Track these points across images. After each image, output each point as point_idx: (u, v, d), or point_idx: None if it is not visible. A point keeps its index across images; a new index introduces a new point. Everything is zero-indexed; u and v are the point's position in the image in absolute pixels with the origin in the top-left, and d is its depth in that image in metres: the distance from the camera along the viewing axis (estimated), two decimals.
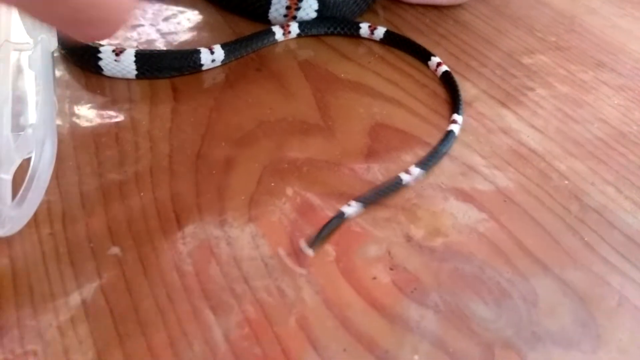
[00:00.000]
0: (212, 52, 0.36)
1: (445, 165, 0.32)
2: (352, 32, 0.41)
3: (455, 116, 0.34)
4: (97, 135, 0.32)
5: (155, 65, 0.35)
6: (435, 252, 0.27)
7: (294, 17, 0.41)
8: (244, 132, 0.33)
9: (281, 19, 0.41)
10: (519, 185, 0.31)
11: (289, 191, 0.30)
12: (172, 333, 0.24)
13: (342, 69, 0.38)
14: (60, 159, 0.30)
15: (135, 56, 0.35)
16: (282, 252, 0.27)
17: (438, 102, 0.36)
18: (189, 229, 0.28)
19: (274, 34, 0.39)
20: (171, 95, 0.35)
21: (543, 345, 0.24)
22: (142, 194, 0.29)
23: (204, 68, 0.37)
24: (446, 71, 0.37)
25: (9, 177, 0.28)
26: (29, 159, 0.28)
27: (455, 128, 0.33)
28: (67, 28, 0.25)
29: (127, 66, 0.35)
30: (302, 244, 0.27)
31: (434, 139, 0.33)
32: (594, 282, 0.27)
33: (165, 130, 0.33)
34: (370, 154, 0.32)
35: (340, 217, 0.28)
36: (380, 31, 0.40)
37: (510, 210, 0.30)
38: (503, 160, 0.32)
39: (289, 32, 0.40)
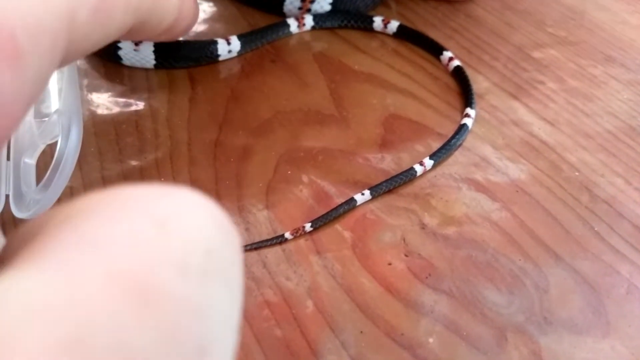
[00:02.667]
0: (228, 43, 0.37)
1: (458, 156, 0.32)
2: (366, 26, 0.41)
3: (469, 110, 0.35)
4: (117, 123, 0.33)
5: (173, 55, 0.36)
6: (449, 239, 0.28)
7: (309, 10, 0.41)
8: (261, 122, 0.34)
9: (296, 11, 0.41)
10: (530, 176, 0.32)
11: (305, 179, 0.31)
12: None
13: (355, 61, 0.39)
14: (82, 145, 0.31)
15: (154, 46, 0.35)
16: (300, 238, 0.28)
17: (450, 94, 0.37)
18: None
19: (289, 26, 0.40)
20: (189, 85, 0.36)
21: (554, 330, 0.25)
22: (162, 179, 0.30)
23: (220, 59, 0.37)
24: (458, 66, 0.38)
25: (32, 162, 0.28)
26: (53, 145, 0.29)
27: (468, 122, 0.34)
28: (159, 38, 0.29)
29: (146, 56, 0.35)
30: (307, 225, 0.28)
31: (447, 130, 0.34)
32: (604, 271, 0.27)
33: (183, 119, 0.33)
34: (384, 144, 0.33)
35: (350, 203, 0.29)
36: (393, 25, 0.41)
37: (522, 201, 0.30)
38: (515, 152, 0.33)
39: (304, 25, 0.40)
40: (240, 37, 0.38)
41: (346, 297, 0.25)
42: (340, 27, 0.41)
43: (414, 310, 0.25)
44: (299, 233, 0.27)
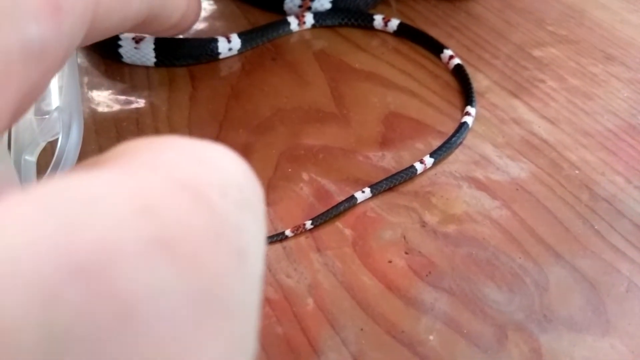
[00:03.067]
0: (229, 41, 0.37)
1: (458, 155, 0.32)
2: (366, 24, 0.41)
3: (469, 108, 0.35)
4: (117, 120, 0.33)
5: (174, 53, 0.36)
6: (449, 237, 0.28)
7: (309, 8, 0.41)
8: (261, 120, 0.34)
9: (296, 9, 0.41)
10: (530, 174, 0.32)
11: (306, 177, 0.31)
12: None
13: (356, 60, 0.39)
14: (82, 143, 0.31)
15: (155, 44, 0.35)
16: (300, 236, 0.28)
17: (451, 92, 0.37)
18: None
19: (289, 24, 0.40)
20: (189, 82, 0.36)
21: (554, 328, 0.25)
22: None
23: (221, 57, 0.37)
24: (458, 64, 0.38)
25: (33, 159, 0.28)
26: (54, 142, 0.29)
27: (468, 120, 0.34)
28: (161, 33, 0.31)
29: (146, 54, 0.35)
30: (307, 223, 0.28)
31: (447, 128, 0.34)
32: (604, 269, 0.27)
33: (184, 117, 0.33)
34: (385, 142, 0.33)
35: (350, 201, 0.29)
36: (394, 23, 0.41)
37: (522, 199, 0.30)
38: (515, 150, 0.33)
39: (304, 23, 0.40)
40: (240, 35, 0.38)
41: (346, 295, 0.26)
42: (340, 25, 0.41)
43: (415, 307, 0.25)
44: (299, 230, 0.28)
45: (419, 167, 0.31)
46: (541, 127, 0.35)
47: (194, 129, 0.33)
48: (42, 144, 0.29)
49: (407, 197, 0.30)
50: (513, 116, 0.35)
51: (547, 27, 0.43)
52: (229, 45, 0.37)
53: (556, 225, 0.29)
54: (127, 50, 0.35)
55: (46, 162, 0.27)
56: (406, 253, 0.27)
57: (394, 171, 0.31)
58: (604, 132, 0.35)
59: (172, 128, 0.32)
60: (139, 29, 0.28)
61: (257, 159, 0.31)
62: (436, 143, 0.33)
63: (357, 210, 0.29)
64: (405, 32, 0.41)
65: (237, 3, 0.43)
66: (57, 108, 0.29)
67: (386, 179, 0.30)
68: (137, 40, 0.35)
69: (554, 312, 0.26)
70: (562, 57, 0.41)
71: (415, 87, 0.37)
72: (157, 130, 0.32)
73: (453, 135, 0.33)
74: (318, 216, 0.28)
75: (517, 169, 0.32)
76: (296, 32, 0.41)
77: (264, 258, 0.12)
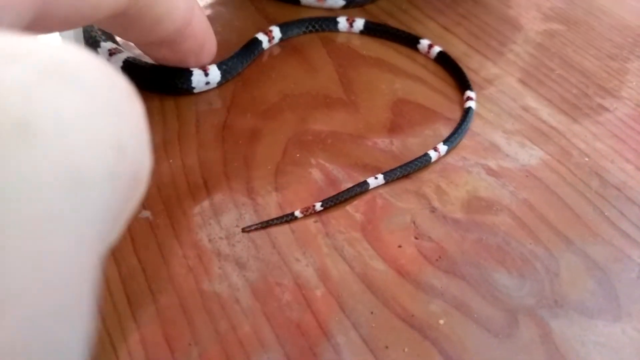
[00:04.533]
0: (206, 74, 0.33)
1: (468, 141, 0.32)
2: (330, 28, 0.39)
3: (469, 93, 0.35)
4: None
5: (140, 77, 0.33)
6: (459, 223, 0.28)
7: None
8: (269, 105, 0.34)
9: (313, 1, 0.41)
10: (540, 161, 0.31)
11: (314, 162, 0.30)
12: (203, 294, 0.24)
13: (363, 46, 0.39)
14: None
15: (123, 62, 0.32)
16: (308, 219, 0.28)
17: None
18: (218, 195, 0.28)
19: (261, 42, 0.37)
20: None
21: (565, 313, 0.25)
22: (171, 160, 0.29)
23: (195, 91, 0.33)
24: (441, 52, 0.37)
25: None
26: None
27: (472, 104, 0.34)
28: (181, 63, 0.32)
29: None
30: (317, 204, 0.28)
31: (456, 115, 0.34)
32: (615, 255, 0.27)
33: (191, 102, 0.33)
34: (393, 128, 0.33)
35: (362, 186, 0.29)
36: (359, 23, 0.39)
37: (532, 185, 0.30)
38: (524, 137, 0.33)
39: (273, 38, 0.38)
40: (220, 66, 0.34)
41: (356, 279, 0.25)
42: (305, 33, 0.39)
43: (425, 292, 0.25)
44: (309, 212, 0.27)
45: (433, 155, 0.31)
46: (550, 115, 0.34)
47: (201, 113, 0.32)
48: None
49: (416, 183, 0.30)
50: (522, 103, 0.35)
51: (555, 16, 0.43)
52: (205, 79, 0.33)
53: (566, 211, 0.29)
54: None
55: None
56: (416, 238, 0.27)
57: (402, 157, 0.31)
58: (614, 120, 0.35)
59: (179, 112, 0.32)
60: (122, 26, 0.25)
61: (265, 144, 0.31)
62: (444, 129, 0.33)
63: (367, 196, 0.29)
64: (372, 30, 0.39)
65: None
66: None
67: (400, 166, 0.30)
68: (111, 53, 0.33)
69: (565, 298, 0.25)
70: (570, 45, 0.40)
71: (423, 73, 0.37)
72: (163, 115, 0.32)
73: (462, 122, 0.33)
74: (328, 198, 0.28)
75: (527, 156, 0.32)
76: (297, 14, 0.40)
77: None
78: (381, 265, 0.26)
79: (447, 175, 0.30)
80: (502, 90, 0.36)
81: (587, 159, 0.32)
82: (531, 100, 0.35)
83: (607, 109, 0.35)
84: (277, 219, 0.27)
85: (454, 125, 0.33)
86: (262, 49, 0.37)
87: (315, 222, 0.27)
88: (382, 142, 0.32)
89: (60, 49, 0.11)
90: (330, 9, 0.41)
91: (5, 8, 0.15)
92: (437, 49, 0.38)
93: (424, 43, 0.38)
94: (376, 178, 0.29)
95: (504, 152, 0.32)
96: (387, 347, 0.23)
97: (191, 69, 0.33)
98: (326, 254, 0.26)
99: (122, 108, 0.12)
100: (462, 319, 0.24)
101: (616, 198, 0.30)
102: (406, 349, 0.23)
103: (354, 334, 0.23)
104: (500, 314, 0.25)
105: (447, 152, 0.31)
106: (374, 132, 0.32)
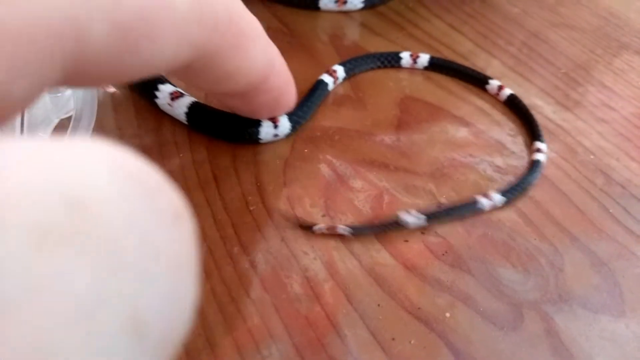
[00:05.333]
0: (275, 126, 0.31)
1: (474, 139, 0.33)
2: (393, 64, 0.37)
3: (538, 144, 0.32)
4: (135, 100, 0.33)
5: (206, 123, 0.31)
6: (465, 218, 0.28)
7: (345, 2, 0.41)
8: None
9: (332, 5, 0.41)
10: (546, 158, 0.32)
11: (322, 157, 0.31)
12: (214, 286, 0.25)
13: (371, 44, 0.39)
14: (100, 120, 0.31)
15: (188, 107, 0.31)
16: (317, 214, 0.28)
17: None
18: (227, 189, 0.28)
19: (327, 84, 0.35)
20: None
21: (569, 308, 0.25)
22: (181, 155, 0.30)
23: (262, 142, 0.31)
24: (511, 95, 0.35)
25: (46, 136, 0.29)
26: (68, 119, 0.29)
27: (541, 157, 0.31)
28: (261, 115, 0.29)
29: (178, 114, 0.31)
30: (341, 228, 0.27)
31: (463, 112, 0.34)
32: (619, 252, 0.28)
33: (201, 97, 0.33)
34: (400, 125, 0.33)
35: (399, 223, 0.27)
36: (423, 59, 0.37)
37: (538, 182, 0.30)
38: (530, 135, 0.33)
39: (337, 79, 0.35)
40: (290, 118, 0.31)
41: (363, 272, 0.26)
42: (372, 69, 0.37)
43: (431, 285, 0.25)
44: (333, 231, 0.27)
45: (486, 203, 0.28)
46: (556, 113, 0.35)
47: None
48: (56, 121, 0.29)
49: (422, 179, 0.30)
50: (528, 102, 0.35)
51: (562, 15, 0.43)
52: (274, 131, 0.31)
53: (571, 208, 0.29)
54: (163, 104, 0.32)
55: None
56: (422, 233, 0.28)
57: (409, 154, 0.31)
58: (619, 119, 0.35)
59: None
60: (188, 75, 0.23)
61: (273, 141, 0.31)
62: (451, 127, 0.33)
63: (374, 191, 0.29)
64: (437, 67, 0.37)
65: (266, 4, 0.42)
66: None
67: (446, 209, 0.28)
68: (173, 98, 0.31)
69: (569, 293, 0.26)
70: (576, 44, 0.41)
71: (430, 73, 0.37)
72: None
73: (527, 175, 0.30)
74: (359, 227, 0.27)
75: (532, 153, 0.32)
76: (311, 17, 0.41)
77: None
78: (388, 259, 0.26)
79: (453, 171, 0.31)
80: (508, 88, 0.36)
81: (592, 157, 0.32)
82: (537, 99, 0.36)
83: (612, 108, 0.35)
84: (302, 225, 0.26)
85: (460, 122, 0.33)
86: (328, 91, 0.35)
87: (323, 216, 0.28)
88: (389, 138, 0.32)
89: (82, 176, 0.09)
90: (348, 12, 0.41)
91: (22, 70, 0.13)
92: (507, 91, 0.35)
93: (494, 84, 0.35)
94: (418, 219, 0.27)
95: (509, 150, 0.32)
96: (393, 339, 0.23)
97: (260, 120, 0.30)
98: (334, 247, 0.27)
99: (151, 265, 0.09)
100: (467, 312, 0.25)
101: (621, 195, 0.30)
102: (413, 341, 0.23)
103: (361, 326, 0.24)
104: (506, 308, 0.25)
105: (501, 202, 0.29)
106: (381, 129, 0.33)
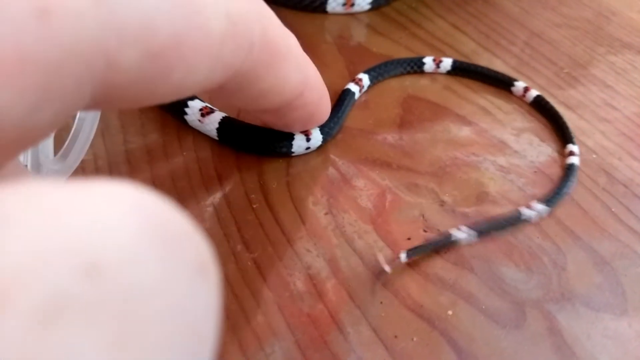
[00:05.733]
0: (308, 139, 0.31)
1: (477, 138, 0.33)
2: (415, 70, 0.37)
3: (571, 147, 0.32)
4: None
5: (237, 138, 0.31)
6: (468, 217, 0.28)
7: (352, 5, 0.41)
8: None
9: (340, 8, 0.41)
10: (548, 157, 0.32)
11: (325, 156, 0.31)
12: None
13: (374, 44, 0.39)
14: (104, 119, 0.31)
15: (219, 123, 0.31)
16: (319, 212, 0.28)
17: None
18: (231, 187, 0.29)
19: (354, 93, 0.35)
20: None
21: (572, 306, 0.25)
22: (184, 153, 0.30)
23: (294, 154, 0.31)
24: (538, 96, 0.35)
25: (50, 141, 0.29)
26: (72, 117, 0.29)
27: (575, 160, 0.31)
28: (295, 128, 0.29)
29: (209, 130, 0.31)
30: (402, 255, 0.26)
31: (466, 111, 0.34)
32: (621, 250, 0.28)
33: (205, 95, 0.33)
34: (403, 124, 0.33)
35: (448, 239, 0.27)
36: (446, 63, 0.37)
37: (540, 181, 0.30)
38: (533, 134, 0.33)
39: (363, 87, 0.35)
40: (322, 130, 0.31)
41: (365, 269, 0.26)
42: (392, 77, 0.37)
43: (433, 283, 0.25)
44: (395, 263, 0.26)
45: (529, 214, 0.28)
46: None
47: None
48: None
49: (425, 177, 0.30)
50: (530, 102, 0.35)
51: (564, 15, 0.43)
52: (307, 144, 0.31)
53: (574, 207, 0.29)
54: (192, 120, 0.31)
55: (64, 137, 0.28)
56: (425, 231, 0.28)
57: (412, 153, 0.31)
58: (621, 119, 0.35)
59: None
60: (222, 96, 0.22)
61: None
62: (454, 126, 0.33)
63: (377, 190, 0.29)
64: (461, 70, 0.37)
65: (272, 7, 0.43)
66: None
67: (492, 222, 0.28)
68: (203, 114, 0.31)
69: (572, 291, 0.26)
70: (578, 44, 0.41)
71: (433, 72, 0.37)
72: None
73: (564, 182, 0.30)
74: (414, 249, 0.26)
75: (535, 153, 0.32)
76: (318, 20, 0.41)
77: None
78: (391, 257, 0.26)
79: (456, 170, 0.31)
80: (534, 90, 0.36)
81: (594, 156, 0.32)
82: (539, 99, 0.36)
83: (615, 107, 0.36)
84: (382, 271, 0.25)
85: (463, 121, 0.33)
86: (355, 100, 0.35)
87: (326, 214, 0.28)
88: (392, 137, 0.32)
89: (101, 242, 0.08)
90: (356, 13, 0.42)
91: (51, 97, 0.12)
92: (533, 92, 0.35)
93: (519, 86, 0.35)
94: (464, 232, 0.27)
95: (512, 149, 0.32)
96: (396, 336, 0.23)
97: (293, 134, 0.30)
98: (336, 245, 0.27)
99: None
100: (470, 310, 0.25)
101: (623, 195, 0.30)
102: (415, 338, 0.23)
103: (363, 323, 0.24)
104: (508, 306, 0.25)
105: (545, 211, 0.29)
106: (383, 128, 0.33)
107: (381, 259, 0.26)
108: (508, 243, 0.27)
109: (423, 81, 0.36)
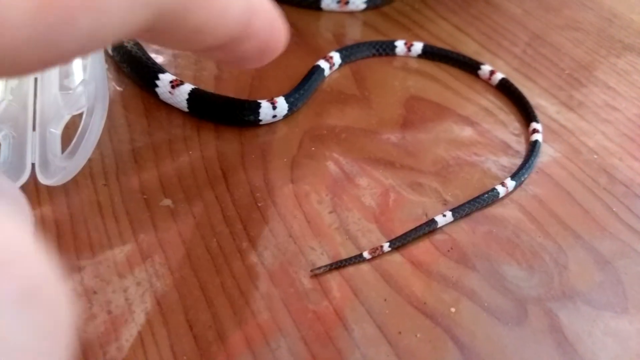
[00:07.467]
0: (274, 107, 0.32)
1: (478, 137, 0.33)
2: (387, 52, 0.38)
3: (535, 125, 0.33)
4: (145, 97, 0.33)
5: (205, 108, 0.32)
6: (470, 216, 0.29)
7: (347, 3, 0.41)
8: None
9: (334, 5, 0.42)
10: (550, 158, 0.32)
11: (328, 155, 0.31)
12: (224, 280, 0.25)
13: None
14: (111, 117, 0.32)
15: (189, 94, 0.32)
16: (323, 211, 0.28)
17: (470, 76, 0.37)
18: (236, 186, 0.29)
19: (323, 70, 0.36)
20: (214, 64, 0.36)
21: (573, 304, 0.26)
22: (190, 152, 0.30)
23: (262, 123, 0.33)
24: (503, 79, 0.36)
25: (58, 131, 0.29)
26: (80, 115, 0.29)
27: (538, 137, 0.32)
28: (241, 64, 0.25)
29: (179, 101, 0.32)
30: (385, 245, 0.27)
31: (468, 112, 0.34)
32: (622, 249, 0.28)
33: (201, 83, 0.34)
34: (406, 124, 0.34)
35: (430, 224, 0.28)
36: (417, 47, 0.38)
37: (542, 181, 0.31)
38: (525, 117, 0.33)
39: (334, 65, 0.36)
40: (287, 99, 0.33)
41: (369, 267, 0.26)
42: (366, 57, 0.38)
43: (436, 281, 0.26)
44: (377, 253, 0.26)
45: (501, 190, 0.29)
46: (560, 113, 0.35)
47: None
48: (67, 117, 0.29)
49: (428, 177, 0.31)
50: (532, 102, 0.36)
51: (566, 17, 0.44)
52: (273, 112, 0.32)
53: (575, 207, 0.30)
54: (163, 92, 0.32)
55: (72, 134, 0.28)
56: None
57: (415, 152, 0.32)
58: (622, 120, 0.35)
59: None
60: (163, 43, 0.19)
61: (281, 137, 0.32)
62: (456, 126, 0.33)
63: (380, 189, 0.30)
64: (431, 54, 0.38)
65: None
66: (82, 81, 0.29)
67: (468, 202, 0.29)
68: (174, 86, 0.32)
69: (573, 290, 0.26)
70: (581, 46, 0.41)
71: (435, 71, 0.37)
72: None
73: (528, 157, 0.31)
74: (395, 239, 0.27)
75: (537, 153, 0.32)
76: (314, 17, 0.41)
77: None
78: (394, 255, 0.27)
79: (458, 170, 0.31)
80: (500, 72, 0.36)
81: (595, 157, 0.32)
82: (541, 99, 0.36)
83: (616, 108, 0.36)
84: (345, 260, 0.26)
85: (465, 122, 0.34)
86: (324, 76, 0.36)
87: (330, 212, 0.28)
88: (395, 137, 0.33)
89: None
90: (351, 12, 0.42)
91: None
92: (499, 75, 0.36)
93: (485, 69, 0.37)
94: (444, 215, 0.28)
95: (514, 149, 0.32)
96: (400, 332, 0.24)
97: (259, 101, 0.32)
98: (340, 243, 0.27)
99: None
100: (472, 308, 0.25)
101: (624, 194, 0.30)
102: (418, 335, 0.24)
103: (368, 320, 0.24)
104: (510, 304, 0.25)
105: (515, 187, 0.30)
106: (386, 128, 0.33)
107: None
108: (510, 242, 0.28)
109: (425, 81, 0.37)
